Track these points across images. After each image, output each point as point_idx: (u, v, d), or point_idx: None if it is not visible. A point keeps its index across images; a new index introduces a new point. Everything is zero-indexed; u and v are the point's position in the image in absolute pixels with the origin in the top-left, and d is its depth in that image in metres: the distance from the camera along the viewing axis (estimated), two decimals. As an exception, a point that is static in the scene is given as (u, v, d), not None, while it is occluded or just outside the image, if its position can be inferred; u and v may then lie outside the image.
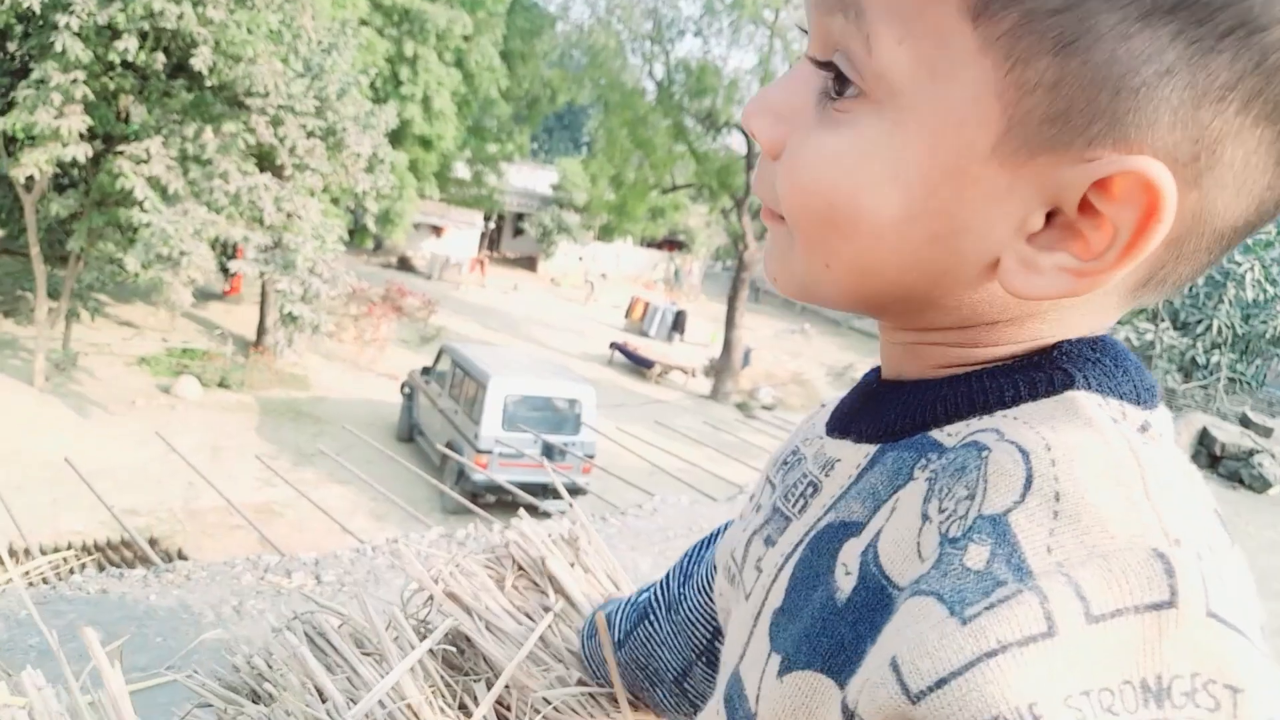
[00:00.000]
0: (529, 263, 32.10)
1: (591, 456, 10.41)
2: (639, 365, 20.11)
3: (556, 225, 29.18)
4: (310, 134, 12.55)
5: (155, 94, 11.66)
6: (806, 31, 0.41)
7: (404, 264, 27.03)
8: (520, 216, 32.34)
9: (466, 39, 20.19)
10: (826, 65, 0.39)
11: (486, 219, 30.53)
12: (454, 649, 1.03)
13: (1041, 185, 0.36)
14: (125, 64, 11.10)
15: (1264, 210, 0.37)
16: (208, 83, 11.56)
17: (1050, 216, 0.36)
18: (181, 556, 7.72)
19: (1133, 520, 0.32)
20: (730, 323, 18.39)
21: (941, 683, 0.30)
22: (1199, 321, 9.81)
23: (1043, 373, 0.39)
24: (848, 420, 0.49)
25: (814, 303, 0.44)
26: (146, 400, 12.75)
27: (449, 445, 10.99)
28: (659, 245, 34.94)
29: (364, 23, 16.68)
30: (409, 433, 12.68)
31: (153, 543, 8.80)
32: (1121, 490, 0.33)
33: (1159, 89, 0.33)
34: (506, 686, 0.96)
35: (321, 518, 6.47)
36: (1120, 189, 0.34)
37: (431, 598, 1.05)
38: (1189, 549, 0.31)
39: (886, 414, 0.45)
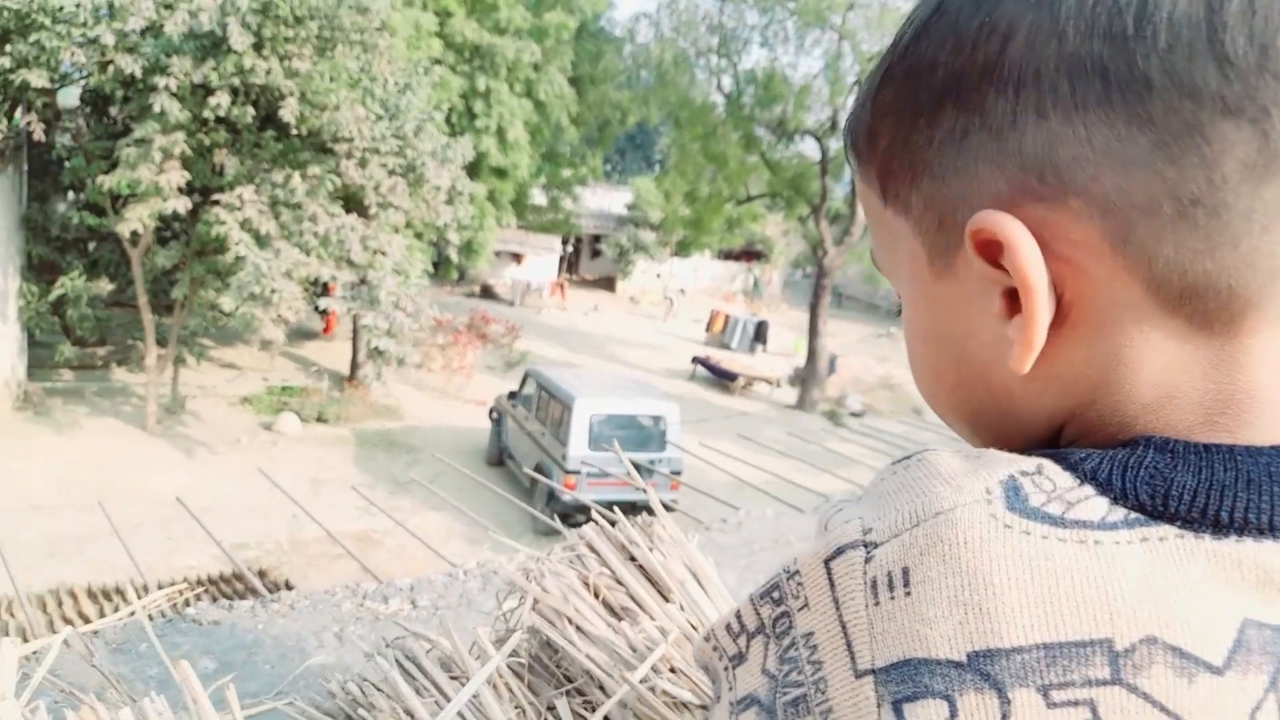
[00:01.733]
0: (608, 283, 32.39)
1: (678, 473, 10.39)
2: (722, 379, 20.02)
3: (633, 244, 29.38)
4: (391, 172, 12.98)
5: (247, 145, 12.26)
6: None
7: (487, 292, 27.63)
8: (597, 238, 32.70)
9: (536, 68, 20.60)
10: None
11: (564, 243, 30.98)
12: (543, 655, 1.03)
13: (975, 277, 0.40)
14: (218, 119, 11.71)
15: (1184, 151, 0.35)
16: (295, 132, 12.10)
17: (1013, 297, 0.39)
18: (288, 586, 8.02)
19: (876, 506, 0.38)
20: (813, 330, 18.14)
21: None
22: None
23: (1082, 450, 0.39)
24: None
25: (965, 438, 0.49)
26: (250, 438, 13.33)
27: (538, 467, 11.13)
28: (737, 257, 34.78)
29: (437, 61, 17.19)
30: (499, 457, 12.91)
31: (261, 574, 9.16)
32: (903, 492, 0.38)
33: (969, 153, 0.39)
34: (599, 688, 0.95)
35: (419, 544, 6.63)
36: (985, 247, 0.38)
37: (522, 602, 1.08)
38: (865, 538, 0.36)
39: None
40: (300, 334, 18.48)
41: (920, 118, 0.40)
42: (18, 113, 11.65)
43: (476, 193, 16.66)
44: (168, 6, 10.96)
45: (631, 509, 1.36)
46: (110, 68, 10.96)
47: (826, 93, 17.41)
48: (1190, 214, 0.36)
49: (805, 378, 18.50)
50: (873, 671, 0.34)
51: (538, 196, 25.92)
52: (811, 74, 17.84)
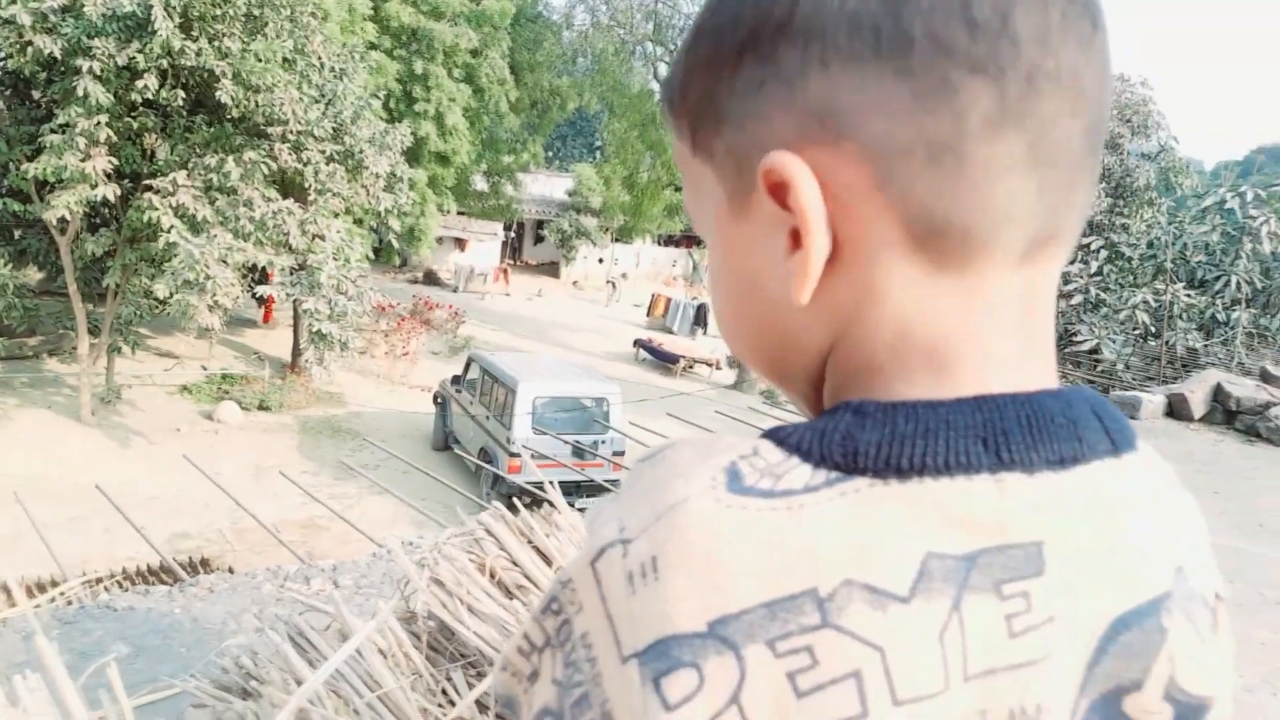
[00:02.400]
0: (551, 269, 32.36)
1: (621, 453, 10.59)
2: (664, 361, 20.25)
3: (575, 230, 29.39)
4: (330, 158, 12.86)
5: (178, 130, 12.02)
6: None
7: (430, 278, 27.40)
8: (540, 224, 32.62)
9: (474, 54, 20.45)
10: None
11: (507, 229, 30.83)
12: (440, 636, 1.08)
13: (766, 218, 0.43)
14: (147, 103, 11.46)
15: (937, 102, 0.40)
16: (229, 115, 11.90)
17: (797, 236, 0.43)
18: (230, 572, 8.01)
19: (628, 504, 0.41)
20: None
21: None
22: (1217, 278, 9.75)
23: (790, 425, 0.44)
24: None
25: (768, 380, 0.53)
26: (190, 427, 13.14)
27: (483, 451, 11.22)
28: (677, 242, 35.06)
29: (373, 46, 16.99)
30: (444, 441, 12.94)
31: (204, 563, 9.10)
32: (648, 490, 0.40)
33: (764, 101, 0.43)
34: (490, 663, 1.00)
35: (365, 528, 6.72)
36: (774, 185, 0.42)
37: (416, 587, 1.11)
38: (620, 535, 0.40)
39: None
40: (239, 322, 18.17)
41: (724, 69, 0.44)
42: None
43: (417, 179, 16.56)
44: (88, -14, 10.68)
45: (576, 489, 1.43)
46: (29, 49, 10.64)
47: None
48: (940, 159, 0.40)
49: (745, 359, 18.78)
50: (636, 655, 0.37)
51: (479, 183, 25.76)
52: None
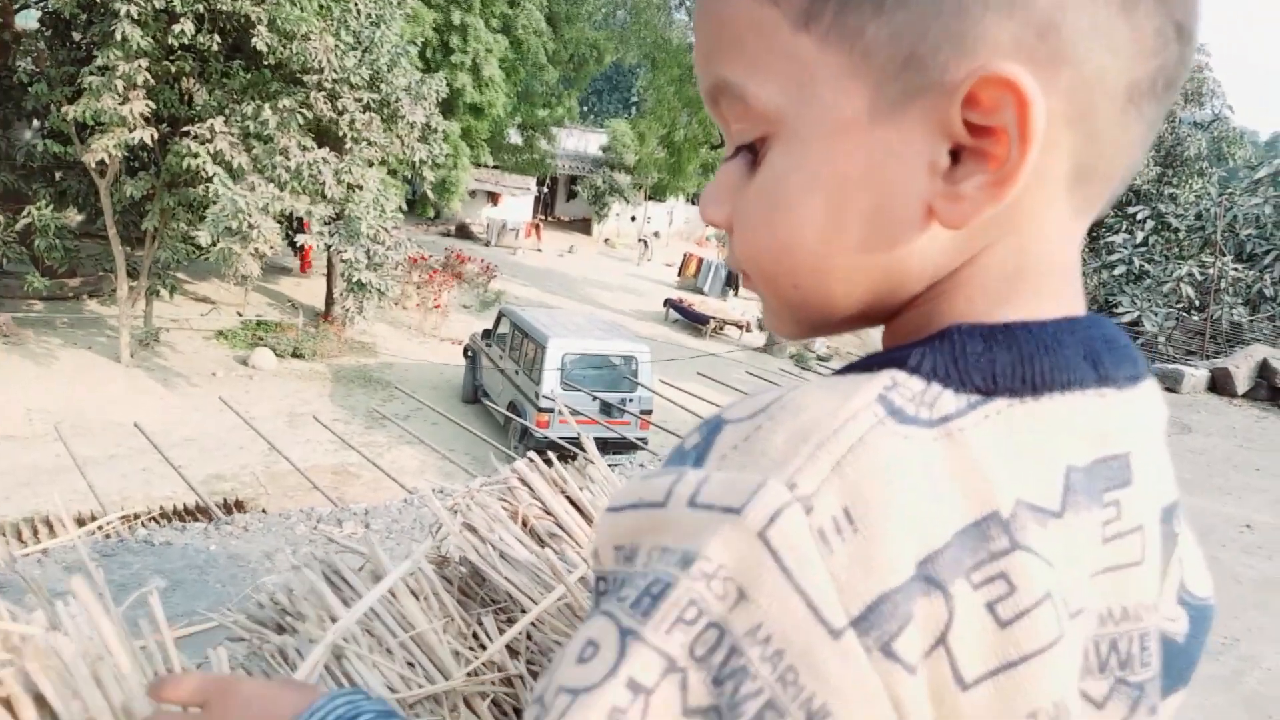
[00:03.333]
0: (583, 225, 32.23)
1: (649, 412, 10.62)
2: (694, 321, 20.19)
3: (608, 187, 29.19)
4: (366, 107, 12.82)
5: (215, 75, 12.04)
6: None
7: (462, 231, 27.43)
8: (573, 180, 32.43)
9: (512, 4, 20.21)
10: (741, 150, 0.44)
11: (540, 183, 30.70)
12: (472, 582, 1.10)
13: (928, 127, 0.38)
14: (184, 47, 11.47)
15: (1150, 55, 0.39)
16: (265, 62, 11.89)
17: (958, 154, 0.39)
18: (264, 512, 8.20)
19: (781, 460, 0.35)
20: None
21: (606, 510, 0.40)
22: (1268, 252, 9.48)
23: (901, 350, 0.41)
24: None
25: (822, 333, 0.47)
26: (225, 371, 13.35)
27: (511, 405, 11.30)
28: (712, 202, 34.57)
29: (410, -7, 16.82)
30: (474, 394, 13.05)
31: (238, 505, 9.30)
32: (800, 443, 0.36)
33: None
34: (522, 610, 1.02)
35: (395, 476, 6.82)
36: (988, 98, 0.37)
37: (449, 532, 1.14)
38: (795, 494, 0.34)
39: None
40: (275, 269, 18.35)
41: None
42: (-24, 36, 11.34)
43: (451, 130, 16.49)
44: (129, -72, 10.66)
45: (603, 446, 1.44)
46: (72, -9, 10.67)
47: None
48: (1129, 108, 0.39)
49: (776, 322, 18.66)
50: (852, 624, 0.33)
51: (514, 136, 25.62)
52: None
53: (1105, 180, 0.41)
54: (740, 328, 20.08)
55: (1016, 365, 0.39)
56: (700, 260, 25.11)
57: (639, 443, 7.90)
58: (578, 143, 31.06)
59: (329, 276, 16.01)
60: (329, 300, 16.07)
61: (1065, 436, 0.39)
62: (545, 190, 32.70)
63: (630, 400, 10.73)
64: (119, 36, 10.51)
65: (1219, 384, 6.43)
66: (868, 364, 0.41)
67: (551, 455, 1.45)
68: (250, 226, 10.90)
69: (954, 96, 0.38)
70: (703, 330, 19.86)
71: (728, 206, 0.45)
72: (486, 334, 13.02)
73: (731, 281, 24.14)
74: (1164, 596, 0.46)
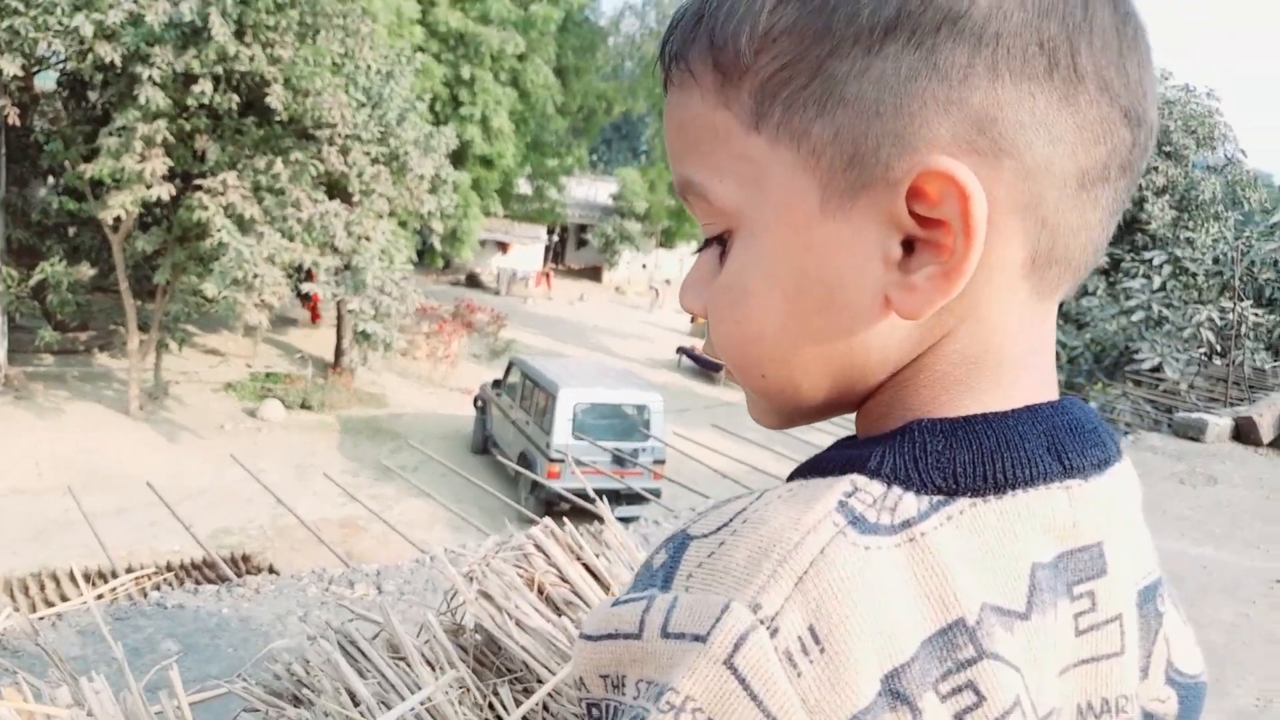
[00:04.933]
0: (593, 273, 32.42)
1: (661, 462, 10.48)
2: (707, 369, 20.13)
3: (619, 234, 29.40)
4: (375, 160, 12.96)
5: (229, 132, 12.21)
6: None
7: (472, 281, 27.60)
8: (583, 228, 32.70)
9: (520, 58, 20.56)
10: (711, 242, 0.45)
11: (550, 232, 30.96)
12: (488, 650, 1.06)
13: (878, 220, 0.39)
14: (200, 106, 11.65)
15: (1096, 142, 0.40)
16: (278, 118, 12.06)
17: (912, 245, 0.39)
18: (272, 571, 8.06)
19: (744, 580, 0.35)
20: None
21: (581, 636, 0.39)
22: (1288, 296, 9.37)
23: (862, 449, 0.41)
24: None
25: (798, 422, 0.47)
26: (234, 424, 13.32)
27: (522, 456, 11.20)
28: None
29: (420, 49, 17.12)
30: (483, 445, 12.96)
31: (245, 559, 9.19)
32: (762, 559, 0.35)
33: (913, 95, 0.38)
34: (538, 680, 0.99)
35: (404, 529, 6.71)
36: (932, 191, 0.38)
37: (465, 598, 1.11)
38: (759, 615, 0.34)
39: None
40: (284, 321, 18.43)
41: (853, 45, 0.38)
42: (-6, 96, 11.56)
43: (461, 181, 16.66)
44: (148, -7, 10.90)
45: (615, 498, 1.38)
46: (89, 55, 10.88)
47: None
48: (1082, 193, 0.40)
49: (788, 368, 18.59)
50: None
51: (523, 186, 25.90)
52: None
53: (1066, 264, 0.42)
54: (752, 374, 19.99)
55: (977, 464, 0.39)
56: (710, 307, 25.12)
57: (651, 495, 7.78)
58: (587, 191, 31.37)
59: (339, 327, 16.06)
60: (338, 351, 16.10)
61: (1030, 534, 0.39)
62: (555, 239, 32.96)
63: (643, 451, 10.60)
64: (140, 99, 10.68)
65: (1243, 433, 6.29)
66: (832, 460, 0.41)
67: (566, 519, 1.40)
68: (255, 276, 10.95)
69: (898, 191, 0.38)
70: (716, 378, 19.77)
71: (703, 296, 0.46)
72: (496, 384, 12.98)
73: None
74: (1152, 678, 0.46)
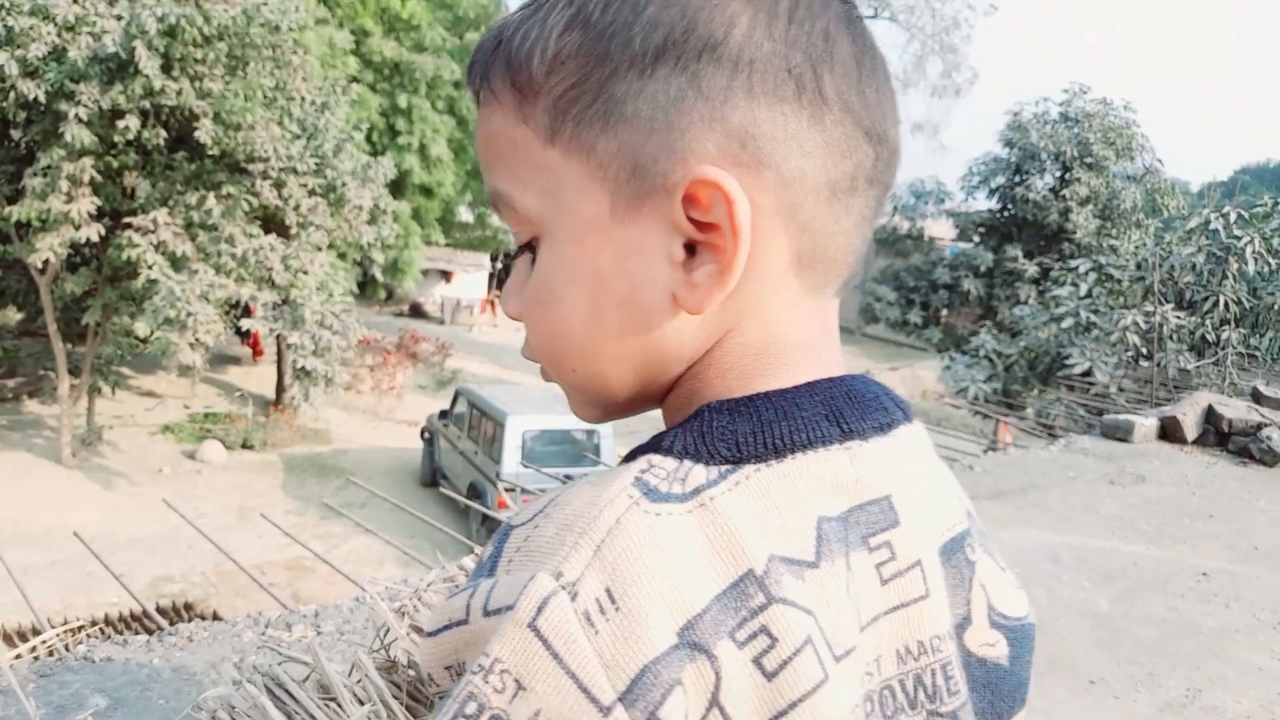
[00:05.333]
0: (539, 298, 32.29)
1: (612, 485, 10.43)
2: (655, 390, 20.12)
3: (563, 259, 29.34)
4: (312, 192, 12.80)
5: (158, 168, 11.96)
6: None
7: (416, 311, 27.30)
8: (526, 253, 32.53)
9: (457, 85, 20.53)
10: (523, 249, 0.50)
11: (494, 260, 30.82)
12: (421, 686, 1.05)
13: (661, 225, 0.44)
14: (128, 142, 11.40)
15: (843, 157, 0.45)
16: (210, 152, 11.85)
17: (692, 248, 0.44)
18: (216, 618, 7.84)
19: (550, 553, 0.38)
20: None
21: (424, 635, 0.42)
22: (1205, 299, 9.75)
23: (662, 435, 0.45)
24: None
25: (614, 415, 0.51)
26: (172, 467, 12.94)
27: (471, 486, 11.08)
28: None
29: (355, 79, 17.01)
30: (432, 477, 12.78)
31: (188, 608, 8.91)
32: (566, 533, 0.39)
33: (682, 113, 0.43)
34: None
35: (353, 567, 6.58)
36: (704, 197, 0.43)
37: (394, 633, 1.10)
38: (560, 582, 0.37)
39: None
40: (224, 359, 18.01)
41: (629, 69, 0.43)
42: (-89, 137, 11.18)
43: (401, 211, 16.52)
44: (70, 29, 10.65)
45: None
46: (11, 93, 10.59)
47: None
48: (834, 201, 0.45)
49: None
50: (619, 699, 0.35)
51: (465, 214, 25.78)
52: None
53: (830, 263, 0.47)
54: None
55: (758, 433, 0.43)
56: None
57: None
58: (530, 217, 31.27)
59: (279, 364, 15.74)
60: (279, 388, 15.77)
61: (814, 491, 0.43)
62: (500, 266, 32.83)
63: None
64: (66, 138, 10.41)
65: (1169, 432, 6.51)
66: (637, 449, 0.45)
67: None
68: (188, 315, 10.70)
69: (675, 198, 0.43)
70: (663, 398, 19.80)
71: (520, 300, 0.49)
72: (444, 414, 12.82)
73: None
74: (976, 624, 0.50)
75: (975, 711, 0.49)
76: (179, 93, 10.85)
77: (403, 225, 17.28)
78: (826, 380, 0.46)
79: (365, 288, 19.76)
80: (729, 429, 0.43)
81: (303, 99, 12.40)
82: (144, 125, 11.13)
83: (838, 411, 0.45)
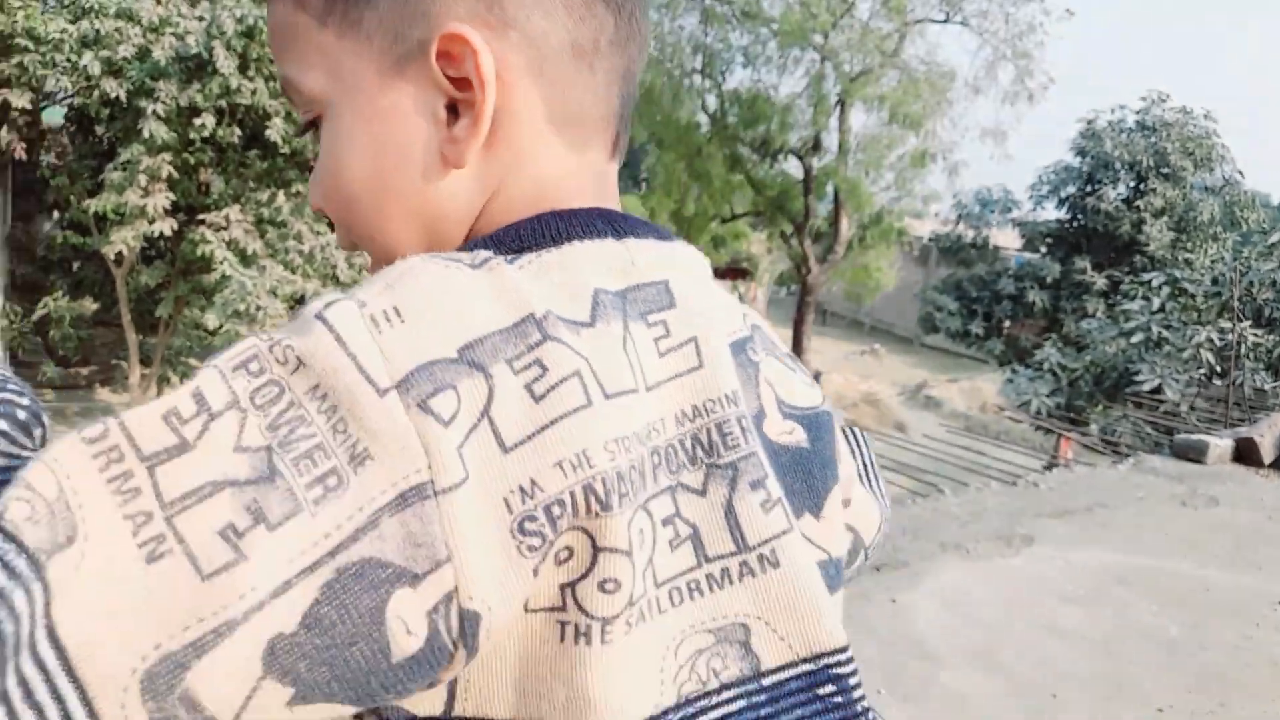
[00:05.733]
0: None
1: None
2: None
3: (620, 262, 29.46)
4: (376, 192, 13.04)
5: (232, 165, 12.31)
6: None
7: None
8: (584, 256, 32.77)
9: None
10: (309, 127, 0.54)
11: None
12: None
13: (422, 86, 0.48)
14: (204, 139, 11.77)
15: (582, 21, 0.50)
16: (281, 150, 12.16)
17: (454, 108, 0.49)
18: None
19: (353, 292, 0.43)
20: (797, 347, 18.22)
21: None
22: (1288, 316, 9.35)
23: (477, 245, 0.49)
24: None
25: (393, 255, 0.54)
26: (236, 456, 13.26)
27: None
28: (722, 275, 34.91)
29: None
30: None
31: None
32: (370, 281, 0.44)
33: None
34: None
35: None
36: (455, 52, 0.47)
37: None
38: (353, 299, 0.41)
39: None
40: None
41: None
42: (1, 131, 11.66)
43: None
44: (154, 30, 11.03)
45: None
46: (96, 91, 11.00)
47: (809, 113, 17.60)
48: (579, 62, 0.50)
49: (789, 393, 18.53)
50: (395, 385, 0.39)
51: (524, 215, 26.04)
52: (794, 94, 18.01)
53: (583, 121, 0.52)
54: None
55: (538, 228, 0.48)
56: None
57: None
58: (588, 220, 31.49)
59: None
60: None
61: (590, 270, 0.47)
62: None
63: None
64: (145, 134, 10.78)
65: (1244, 454, 6.26)
66: None
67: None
68: (258, 309, 10.98)
69: (429, 56, 0.47)
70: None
71: (320, 187, 0.53)
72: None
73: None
74: (770, 416, 0.53)
75: (792, 492, 0.52)
76: (254, 92, 11.16)
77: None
78: (607, 208, 0.51)
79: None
80: (514, 230, 0.48)
81: (371, 99, 12.66)
82: (219, 123, 11.47)
83: (612, 220, 0.50)
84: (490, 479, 0.39)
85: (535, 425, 0.40)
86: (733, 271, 34.64)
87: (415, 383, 0.39)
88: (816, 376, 17.85)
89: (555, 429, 0.41)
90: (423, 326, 0.40)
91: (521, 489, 0.39)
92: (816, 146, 17.67)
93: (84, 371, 14.93)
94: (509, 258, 0.46)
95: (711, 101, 18.77)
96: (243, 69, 11.27)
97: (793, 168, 18.67)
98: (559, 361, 0.42)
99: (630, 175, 47.35)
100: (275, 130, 11.46)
